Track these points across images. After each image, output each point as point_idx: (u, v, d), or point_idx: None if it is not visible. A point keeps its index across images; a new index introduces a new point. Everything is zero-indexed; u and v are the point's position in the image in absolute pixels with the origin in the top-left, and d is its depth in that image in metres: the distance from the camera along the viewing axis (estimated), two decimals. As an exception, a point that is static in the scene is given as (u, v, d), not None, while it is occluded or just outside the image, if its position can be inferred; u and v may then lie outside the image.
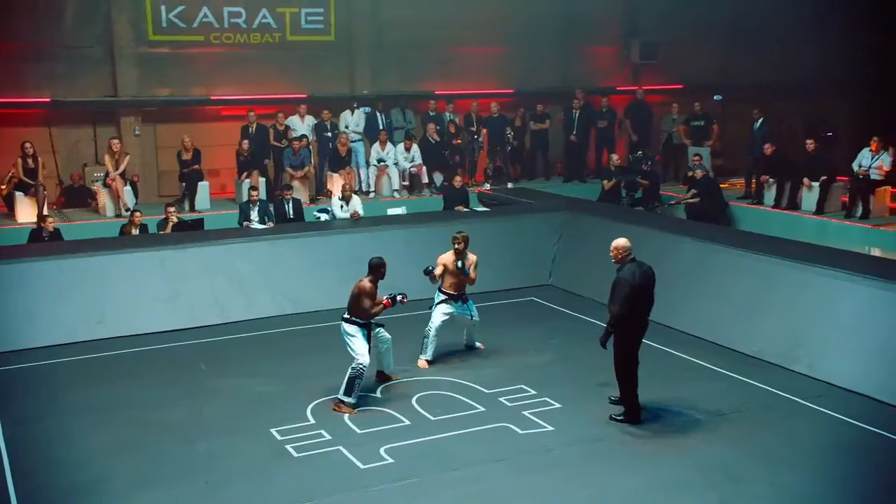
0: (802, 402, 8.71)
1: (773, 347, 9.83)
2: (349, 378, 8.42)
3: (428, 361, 9.75)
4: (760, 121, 16.56)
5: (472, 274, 9.83)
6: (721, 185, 17.16)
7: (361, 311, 8.56)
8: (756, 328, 10.11)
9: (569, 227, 13.41)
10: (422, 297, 10.00)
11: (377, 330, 8.85)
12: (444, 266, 9.79)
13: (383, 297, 8.70)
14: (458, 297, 9.90)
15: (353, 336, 8.56)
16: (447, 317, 9.86)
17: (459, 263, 9.73)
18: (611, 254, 8.18)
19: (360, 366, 8.42)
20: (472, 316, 10.02)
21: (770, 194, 15.60)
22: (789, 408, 8.61)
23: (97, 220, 14.55)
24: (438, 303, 9.88)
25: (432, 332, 9.77)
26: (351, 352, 8.54)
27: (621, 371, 8.13)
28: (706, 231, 12.47)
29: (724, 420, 8.28)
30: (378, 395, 8.90)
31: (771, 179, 15.59)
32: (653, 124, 18.67)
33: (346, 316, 8.66)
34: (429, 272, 9.66)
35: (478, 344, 10.31)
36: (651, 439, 7.91)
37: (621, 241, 8.18)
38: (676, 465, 7.40)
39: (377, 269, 8.70)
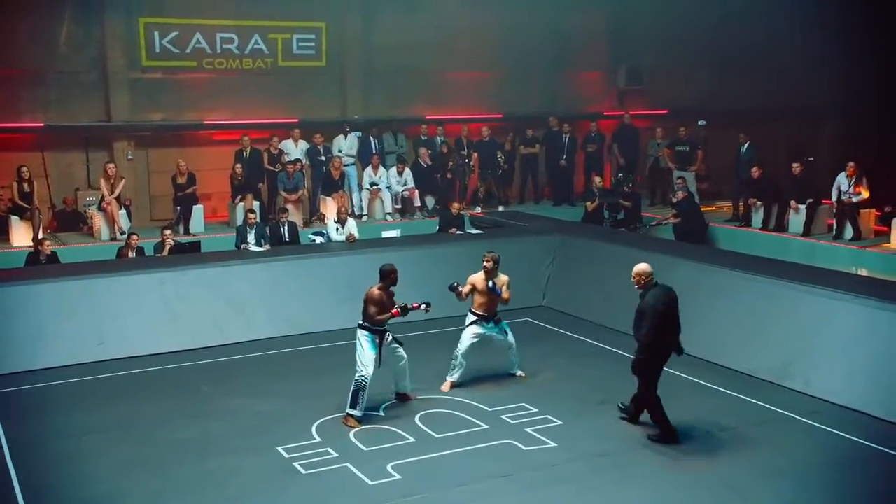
0: (798, 418, 8.89)
1: (768, 365, 10.02)
2: (353, 391, 8.59)
3: (453, 384, 9.66)
4: (746, 145, 16.89)
5: (504, 294, 9.60)
6: (708, 208, 17.49)
7: (369, 317, 8.72)
8: (751, 347, 10.30)
9: (562, 249, 13.60)
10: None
11: (393, 345, 8.94)
12: (473, 286, 9.65)
13: (397, 304, 8.80)
14: (489, 318, 9.77)
15: (361, 343, 8.71)
16: (477, 339, 9.70)
17: (490, 283, 9.53)
18: (633, 279, 8.17)
19: (363, 378, 8.58)
20: (507, 335, 9.87)
21: (758, 217, 15.87)
22: (786, 424, 8.79)
23: (93, 244, 14.57)
24: (469, 324, 9.77)
25: (460, 356, 9.64)
26: (357, 360, 8.67)
27: (645, 395, 8.23)
28: (700, 252, 12.69)
29: (723, 436, 8.43)
30: (382, 413, 8.99)
31: (758, 202, 15.86)
32: (640, 148, 18.97)
33: (359, 322, 8.83)
34: (454, 288, 9.55)
35: (519, 373, 10.06)
36: (653, 454, 8.04)
37: (643, 267, 8.15)
38: (679, 479, 7.54)
39: (387, 276, 8.86)
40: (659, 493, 7.32)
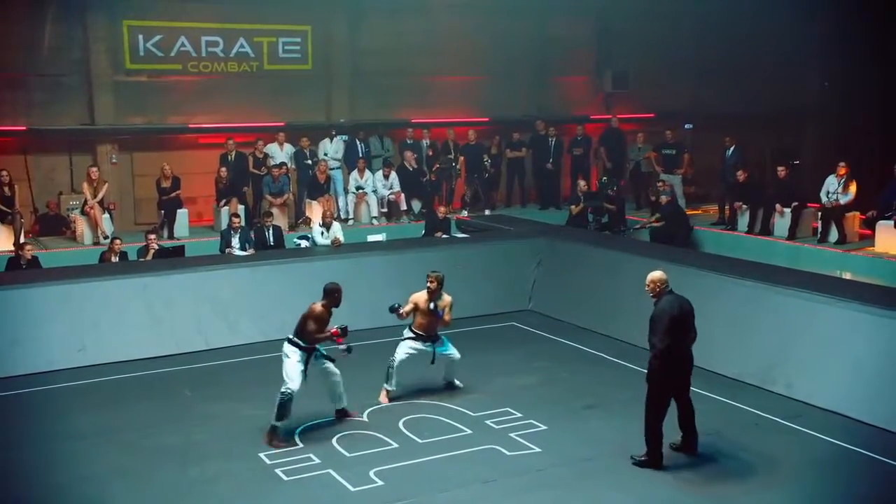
0: (781, 421, 8.89)
1: (751, 369, 10.02)
2: (278, 404, 8.19)
3: (388, 391, 9.35)
4: (732, 148, 16.93)
5: (446, 316, 9.34)
6: (694, 212, 17.53)
7: (306, 333, 8.39)
8: (734, 350, 10.28)
9: (548, 253, 13.58)
10: (395, 324, 9.97)
11: (323, 363, 8.60)
12: (416, 305, 9.37)
13: (334, 326, 8.46)
14: (427, 339, 9.48)
15: (288, 357, 8.37)
16: (414, 352, 9.43)
17: (432, 305, 9.27)
18: (647, 287, 7.78)
19: (289, 391, 8.19)
20: (438, 355, 9.53)
21: (743, 220, 15.90)
22: (769, 428, 8.79)
23: (75, 248, 14.49)
24: (405, 338, 9.51)
25: (395, 366, 9.34)
26: (284, 374, 8.34)
27: (647, 407, 7.74)
28: (684, 256, 12.69)
29: (706, 440, 8.37)
30: (365, 419, 8.94)
31: (744, 206, 15.89)
32: (627, 152, 19.00)
33: (289, 336, 8.51)
34: (394, 309, 9.26)
35: (457, 382, 9.77)
36: (636, 460, 8.03)
37: (657, 274, 7.81)
38: (661, 484, 7.52)
39: (331, 294, 8.52)
40: (643, 498, 7.30)
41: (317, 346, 8.51)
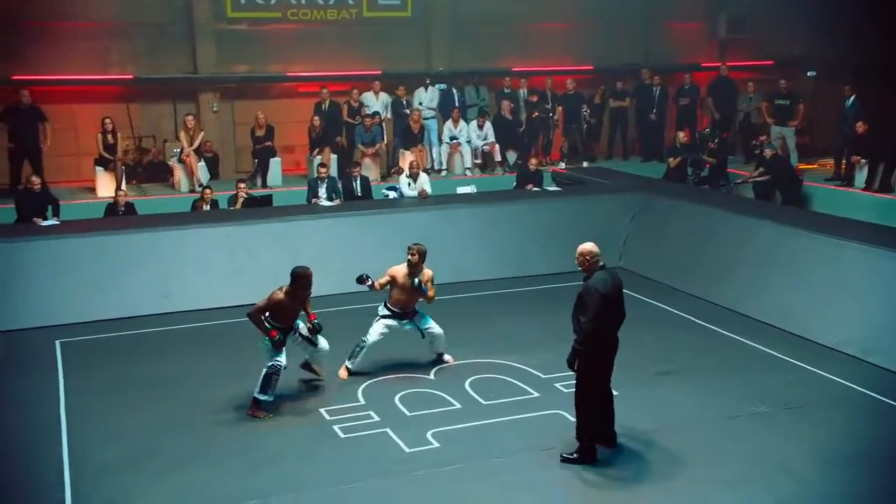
0: (877, 396, 8.22)
1: (851, 338, 9.30)
2: (264, 375, 7.89)
3: (349, 370, 8.76)
4: (852, 98, 15.71)
5: (429, 292, 8.68)
6: (809, 166, 16.46)
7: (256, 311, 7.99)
8: (834, 318, 9.59)
9: (642, 208, 13.01)
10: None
11: (299, 341, 8.31)
12: (393, 278, 8.71)
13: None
14: (403, 316, 8.85)
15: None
16: (387, 331, 8.80)
17: (415, 281, 8.61)
18: (576, 261, 7.12)
19: (277, 364, 7.90)
20: (423, 331, 8.87)
21: (861, 176, 14.77)
22: (861, 402, 8.16)
23: (172, 196, 14.78)
24: (380, 317, 8.90)
25: (365, 346, 8.75)
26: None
27: (579, 397, 7.10)
28: (787, 214, 11.92)
29: (790, 413, 7.87)
30: (431, 377, 8.78)
31: (862, 160, 14.76)
32: (737, 102, 17.95)
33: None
34: (362, 280, 8.69)
35: (446, 356, 9.08)
36: (710, 431, 7.57)
37: (588, 246, 7.09)
38: (734, 460, 7.06)
39: (296, 280, 7.99)
40: (709, 471, 6.88)
41: (296, 324, 8.24)
